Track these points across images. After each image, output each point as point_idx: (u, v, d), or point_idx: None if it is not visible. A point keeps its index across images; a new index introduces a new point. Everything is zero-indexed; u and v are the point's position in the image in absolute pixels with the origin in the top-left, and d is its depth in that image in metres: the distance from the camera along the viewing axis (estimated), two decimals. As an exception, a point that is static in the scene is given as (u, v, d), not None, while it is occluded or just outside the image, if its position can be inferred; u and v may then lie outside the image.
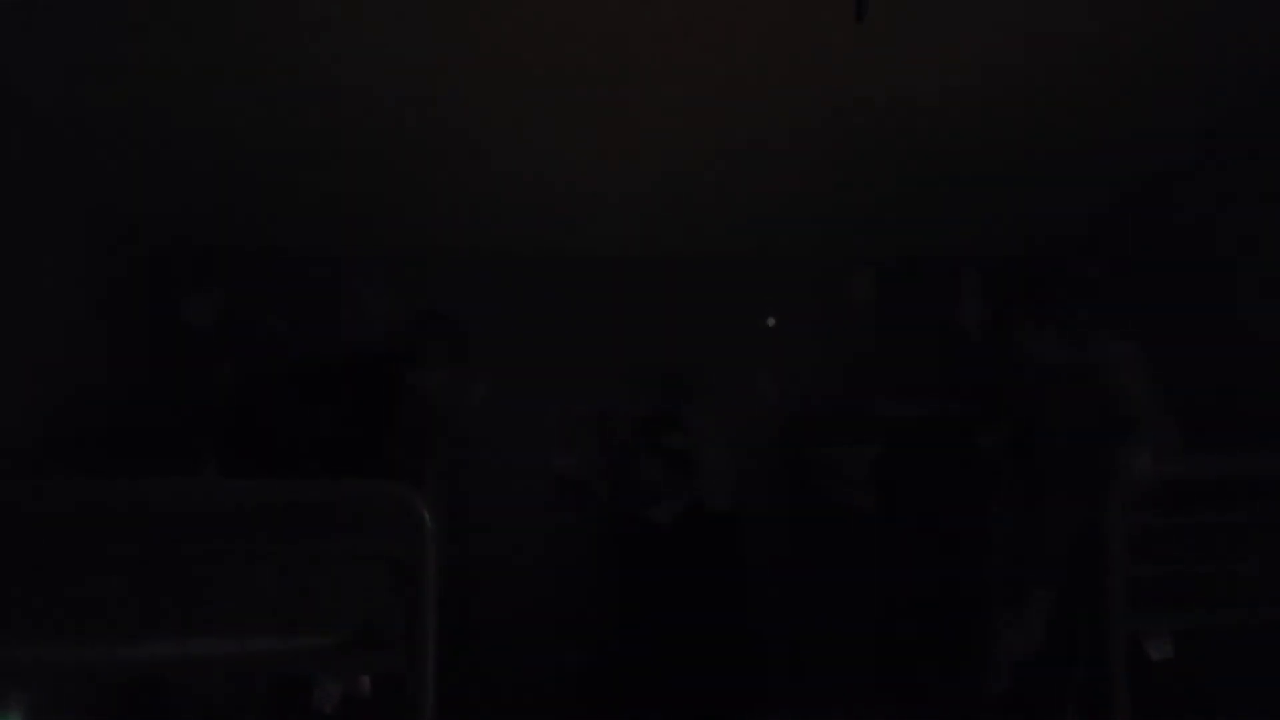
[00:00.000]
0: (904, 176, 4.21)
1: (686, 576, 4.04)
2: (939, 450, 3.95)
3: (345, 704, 2.91)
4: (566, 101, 3.62)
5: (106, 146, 3.77)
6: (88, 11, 3.03)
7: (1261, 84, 3.56)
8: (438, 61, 3.36)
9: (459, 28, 3.19)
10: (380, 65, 3.38)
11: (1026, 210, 4.56)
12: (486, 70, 3.43)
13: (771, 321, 5.02)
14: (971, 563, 3.44)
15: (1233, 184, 3.82)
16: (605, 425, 4.40)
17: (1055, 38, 3.33)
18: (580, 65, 3.39)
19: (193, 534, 2.51)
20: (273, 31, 3.19)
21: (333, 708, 2.91)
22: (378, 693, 2.88)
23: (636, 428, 4.31)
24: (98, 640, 2.32)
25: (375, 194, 4.24)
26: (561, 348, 4.61)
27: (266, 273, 4.58)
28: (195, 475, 3.00)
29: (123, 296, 4.23)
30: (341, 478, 2.72)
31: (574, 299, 4.75)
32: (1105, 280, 3.89)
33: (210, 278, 4.42)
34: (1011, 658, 3.28)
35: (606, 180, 4.17)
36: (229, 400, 3.59)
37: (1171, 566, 2.72)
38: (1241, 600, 2.73)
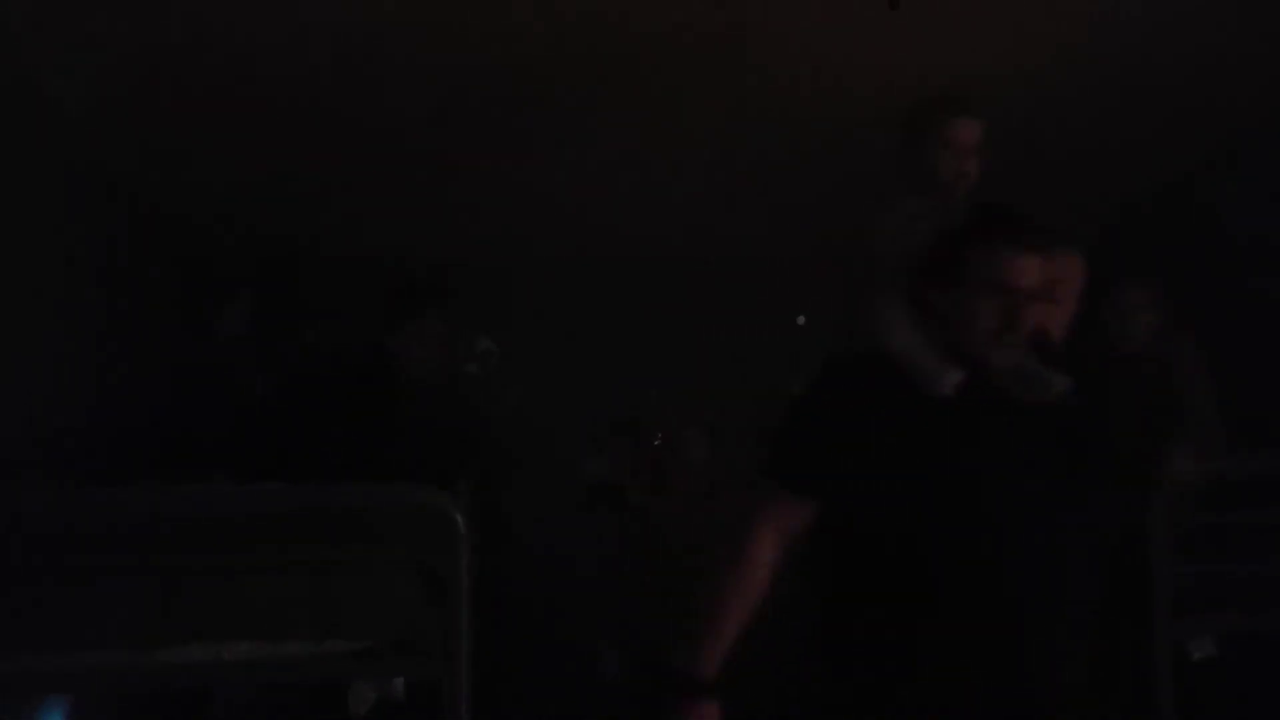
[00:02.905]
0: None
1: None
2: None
3: (380, 708, 2.91)
4: (596, 105, 3.60)
5: (135, 151, 3.81)
6: (112, 10, 3.05)
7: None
8: (461, 69, 3.36)
9: (483, 36, 3.19)
10: (400, 72, 3.39)
11: (1052, 204, 4.49)
12: (515, 76, 3.42)
13: (802, 320, 4.98)
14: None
15: (1259, 179, 3.75)
16: (637, 428, 4.38)
17: (1081, 29, 3.28)
18: (606, 64, 3.38)
19: (229, 540, 2.53)
20: (296, 38, 3.20)
21: (367, 711, 2.92)
22: (412, 696, 2.87)
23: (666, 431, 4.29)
24: (135, 646, 2.33)
25: (407, 202, 4.25)
26: (593, 352, 4.60)
27: (297, 280, 4.60)
28: (230, 482, 3.01)
29: (153, 303, 4.27)
30: (374, 483, 2.71)
31: (605, 303, 4.74)
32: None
33: (240, 285, 4.44)
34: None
35: (639, 184, 4.16)
36: (261, 407, 3.60)
37: (1216, 566, 2.66)
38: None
